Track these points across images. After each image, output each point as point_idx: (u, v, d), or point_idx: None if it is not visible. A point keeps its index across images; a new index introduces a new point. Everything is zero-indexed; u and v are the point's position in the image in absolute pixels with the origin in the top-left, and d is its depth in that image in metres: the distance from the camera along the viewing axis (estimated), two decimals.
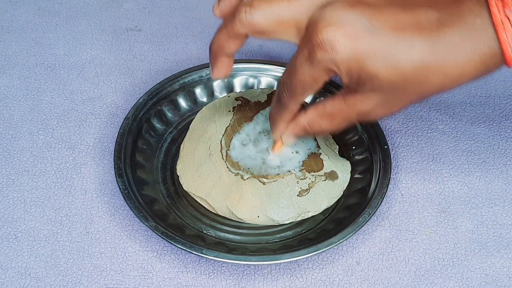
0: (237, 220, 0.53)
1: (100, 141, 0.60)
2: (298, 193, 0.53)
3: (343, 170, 0.55)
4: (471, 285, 0.51)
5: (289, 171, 0.54)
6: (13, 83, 0.65)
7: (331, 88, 0.60)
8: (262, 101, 0.58)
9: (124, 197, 0.52)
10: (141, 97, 0.59)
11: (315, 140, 0.56)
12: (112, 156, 0.57)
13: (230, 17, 0.45)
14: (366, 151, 0.57)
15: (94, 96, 0.64)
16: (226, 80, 0.62)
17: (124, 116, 0.59)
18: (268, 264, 0.51)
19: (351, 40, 0.40)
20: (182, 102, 0.61)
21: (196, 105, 0.61)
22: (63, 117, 0.62)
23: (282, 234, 0.53)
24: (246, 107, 0.57)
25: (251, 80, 0.63)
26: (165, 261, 0.52)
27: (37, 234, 0.53)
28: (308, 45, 0.42)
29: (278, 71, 0.63)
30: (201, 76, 0.62)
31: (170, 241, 0.49)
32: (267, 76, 0.63)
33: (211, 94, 0.62)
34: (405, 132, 0.61)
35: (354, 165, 0.56)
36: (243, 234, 0.53)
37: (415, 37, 0.41)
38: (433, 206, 0.56)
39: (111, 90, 0.64)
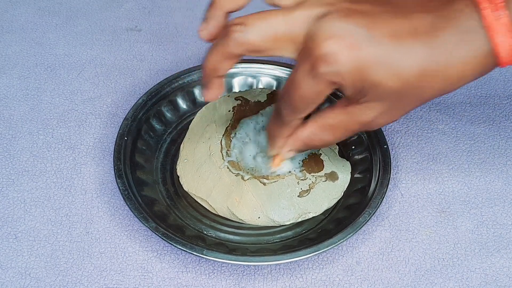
0: (237, 221, 0.53)
1: (100, 141, 0.60)
2: (298, 194, 0.53)
3: (343, 170, 0.55)
4: (471, 285, 0.51)
5: (290, 172, 0.54)
6: (13, 83, 0.65)
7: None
8: (262, 100, 0.58)
9: (124, 198, 0.52)
10: (140, 98, 0.59)
11: None
12: (112, 156, 0.58)
13: (222, 37, 0.44)
14: (366, 151, 0.57)
15: (94, 96, 0.64)
16: (225, 80, 0.62)
17: (124, 117, 0.59)
18: (268, 265, 0.51)
19: (352, 51, 0.40)
20: (181, 103, 0.61)
21: (195, 106, 0.61)
22: (63, 117, 0.62)
23: (282, 235, 0.53)
24: (246, 107, 0.57)
25: (250, 80, 0.63)
26: (165, 261, 0.52)
27: (37, 234, 0.53)
28: (309, 58, 0.41)
29: (278, 71, 0.63)
30: (201, 76, 0.62)
31: (171, 242, 0.49)
32: (267, 76, 0.63)
33: None
34: (405, 132, 0.61)
35: (353, 165, 0.56)
36: (243, 234, 0.53)
37: (413, 43, 0.40)
38: (433, 206, 0.56)
39: (111, 90, 0.64)
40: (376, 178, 0.54)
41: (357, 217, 0.51)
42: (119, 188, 0.52)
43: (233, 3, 0.46)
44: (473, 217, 0.55)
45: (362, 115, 0.43)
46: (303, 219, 0.53)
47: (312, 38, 0.41)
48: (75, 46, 0.69)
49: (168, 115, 0.60)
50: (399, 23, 0.41)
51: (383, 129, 0.58)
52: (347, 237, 0.50)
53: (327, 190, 0.54)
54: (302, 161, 0.54)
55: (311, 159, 0.55)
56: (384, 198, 0.53)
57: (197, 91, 0.62)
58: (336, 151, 0.57)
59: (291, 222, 0.53)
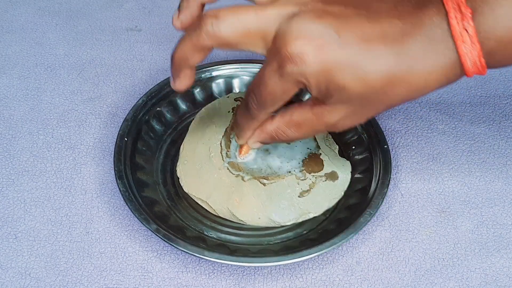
0: (238, 221, 0.53)
1: (100, 141, 0.60)
2: (299, 194, 0.53)
3: (344, 170, 0.55)
4: (471, 285, 0.51)
5: (290, 172, 0.54)
6: (13, 83, 0.65)
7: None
8: None
9: (124, 199, 0.52)
10: (140, 98, 0.59)
11: (315, 140, 0.56)
12: (112, 156, 0.58)
13: (194, 28, 0.44)
14: (366, 151, 0.57)
15: (94, 96, 0.64)
16: (225, 81, 0.62)
17: (124, 117, 0.59)
18: (270, 266, 0.51)
19: (320, 53, 0.40)
20: (181, 103, 0.61)
21: (194, 106, 0.61)
22: (63, 117, 0.62)
23: (283, 235, 0.53)
24: None
25: (250, 80, 0.63)
26: (165, 261, 0.52)
27: (37, 234, 0.53)
28: (277, 57, 0.41)
29: None
30: (200, 77, 0.62)
31: (172, 244, 0.49)
32: None
33: (209, 95, 0.62)
34: (405, 132, 0.61)
35: (354, 165, 0.56)
36: (244, 235, 0.53)
37: (381, 48, 0.40)
38: (433, 206, 0.56)
39: (111, 90, 0.64)
40: (377, 178, 0.54)
41: (358, 217, 0.51)
42: (119, 189, 0.52)
43: None
44: (473, 217, 0.55)
45: (327, 116, 0.44)
46: (304, 219, 0.53)
47: (282, 36, 0.41)
48: (75, 46, 0.69)
49: (168, 115, 0.60)
50: (370, 27, 0.41)
51: (383, 129, 0.58)
52: (349, 237, 0.50)
53: (328, 190, 0.54)
54: (302, 161, 0.54)
55: (311, 159, 0.55)
56: (384, 198, 0.53)
57: (196, 92, 0.62)
58: (336, 150, 0.57)
59: (292, 222, 0.53)
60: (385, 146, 0.56)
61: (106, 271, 0.51)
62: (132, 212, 0.51)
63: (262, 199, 0.52)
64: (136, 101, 0.59)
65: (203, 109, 0.59)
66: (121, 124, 0.57)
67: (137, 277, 0.51)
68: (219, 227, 0.53)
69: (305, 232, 0.53)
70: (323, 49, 0.40)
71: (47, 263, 0.51)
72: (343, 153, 0.58)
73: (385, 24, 0.41)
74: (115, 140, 0.57)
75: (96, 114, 0.62)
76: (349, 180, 0.55)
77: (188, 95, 0.61)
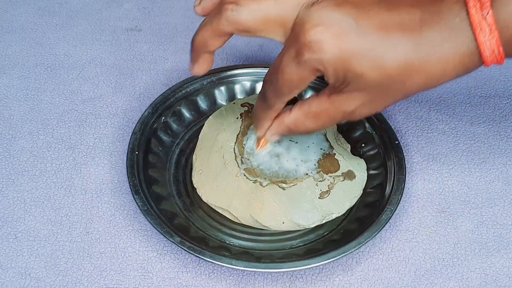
0: (261, 227, 0.53)
1: (100, 141, 0.60)
2: (319, 196, 0.53)
3: (359, 168, 0.55)
4: (471, 285, 0.51)
5: (307, 174, 0.53)
6: (13, 83, 0.65)
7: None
8: None
9: (144, 214, 0.51)
10: (145, 110, 0.58)
11: (327, 140, 0.56)
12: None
13: (214, 14, 0.45)
14: (377, 147, 0.57)
15: (94, 96, 0.64)
16: (227, 87, 0.62)
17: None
18: (299, 270, 0.50)
19: (338, 40, 0.41)
20: (186, 113, 0.60)
21: (199, 115, 0.61)
22: (63, 117, 0.62)
23: (304, 238, 0.53)
24: None
25: (252, 85, 0.62)
26: (165, 261, 0.52)
27: (37, 234, 0.53)
28: (295, 45, 0.42)
29: None
30: (203, 85, 0.61)
31: (199, 255, 0.49)
32: None
33: (213, 102, 0.62)
34: (405, 132, 0.61)
35: (366, 162, 0.56)
36: (265, 241, 0.53)
37: (399, 37, 0.41)
38: (433, 206, 0.56)
39: (111, 90, 0.64)
40: (392, 175, 0.54)
41: (380, 215, 0.51)
42: (137, 204, 0.52)
43: None
44: (473, 217, 0.55)
45: (345, 105, 0.44)
46: (327, 220, 0.53)
47: (300, 24, 0.42)
48: (75, 46, 0.69)
49: (175, 126, 0.60)
50: (388, 16, 0.41)
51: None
52: (373, 235, 0.50)
53: (347, 189, 0.54)
54: (318, 162, 0.54)
55: (326, 159, 0.54)
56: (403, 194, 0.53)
57: (200, 100, 0.61)
58: (349, 149, 0.57)
59: (316, 224, 0.52)
60: (396, 142, 0.56)
61: (106, 271, 0.51)
62: (154, 226, 0.50)
63: (283, 203, 0.52)
64: (141, 114, 0.58)
65: (210, 117, 0.58)
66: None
67: (137, 277, 0.51)
68: (238, 234, 0.53)
69: (326, 233, 0.53)
70: (341, 37, 0.41)
71: (47, 263, 0.51)
72: (353, 151, 0.58)
73: (403, 13, 0.41)
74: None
75: (96, 114, 0.62)
76: (366, 178, 0.55)
77: (192, 103, 0.61)
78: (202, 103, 0.61)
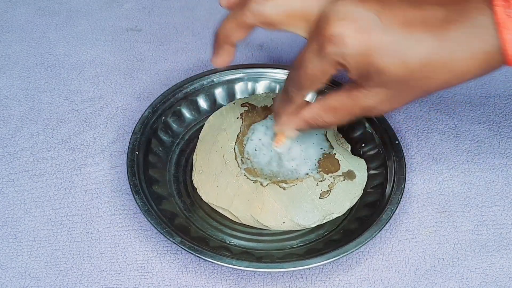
0: (262, 227, 0.53)
1: (100, 141, 0.60)
2: (319, 196, 0.53)
3: (359, 168, 0.55)
4: (471, 285, 0.51)
5: (307, 174, 0.53)
6: (13, 83, 0.65)
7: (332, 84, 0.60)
8: (269, 105, 0.58)
9: (144, 214, 0.51)
10: (145, 110, 0.58)
11: (328, 140, 0.56)
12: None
13: (239, 7, 0.45)
14: (377, 147, 0.57)
15: (94, 96, 0.64)
16: (227, 87, 0.62)
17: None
18: (299, 270, 0.50)
19: (361, 35, 0.41)
20: (186, 113, 0.60)
21: (199, 115, 0.61)
22: (63, 117, 0.62)
23: (305, 238, 0.53)
24: (254, 112, 0.57)
25: (252, 85, 0.62)
26: (165, 261, 0.52)
27: (37, 234, 0.53)
28: (318, 38, 0.42)
29: (278, 73, 0.62)
30: (203, 85, 0.61)
31: (199, 256, 0.49)
32: (268, 79, 0.62)
33: (213, 102, 0.62)
34: (405, 132, 0.61)
35: (366, 162, 0.56)
36: (265, 241, 0.53)
37: (422, 33, 0.41)
38: (433, 206, 0.56)
39: (111, 90, 0.64)
40: (392, 175, 0.54)
41: (380, 214, 0.51)
42: (137, 204, 0.52)
43: None
44: (473, 217, 0.55)
45: (365, 100, 0.44)
46: (328, 220, 0.53)
47: (324, 18, 0.42)
48: (75, 46, 0.69)
49: (175, 126, 0.60)
50: (412, 12, 0.41)
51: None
52: (373, 235, 0.50)
53: (347, 189, 0.54)
54: (318, 161, 0.54)
55: (326, 159, 0.54)
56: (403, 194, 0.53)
57: (200, 100, 0.61)
58: (349, 149, 0.57)
59: (316, 224, 0.53)
60: (396, 142, 0.56)
61: (106, 271, 0.51)
62: (154, 226, 0.50)
63: (284, 203, 0.52)
64: (141, 114, 0.59)
65: (210, 117, 0.58)
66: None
67: (137, 277, 0.51)
68: (239, 234, 0.53)
69: (326, 233, 0.53)
70: (364, 32, 0.41)
71: (47, 263, 0.51)
72: (353, 150, 0.58)
73: (427, 10, 0.41)
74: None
75: (96, 114, 0.62)
76: (366, 178, 0.55)
77: (192, 103, 0.61)
78: (202, 103, 0.61)
